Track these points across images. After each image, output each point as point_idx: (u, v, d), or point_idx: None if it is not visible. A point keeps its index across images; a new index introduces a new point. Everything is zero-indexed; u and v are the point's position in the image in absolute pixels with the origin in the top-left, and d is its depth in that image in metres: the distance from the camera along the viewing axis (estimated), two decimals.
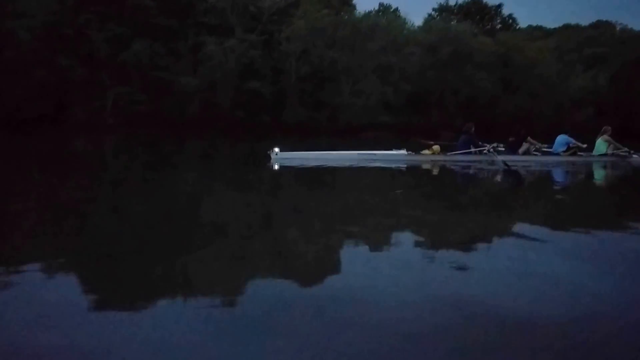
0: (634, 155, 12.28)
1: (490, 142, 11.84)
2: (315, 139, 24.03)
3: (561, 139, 12.55)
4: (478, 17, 44.19)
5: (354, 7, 41.35)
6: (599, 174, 10.89)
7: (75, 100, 33.35)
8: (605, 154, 12.36)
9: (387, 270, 3.02)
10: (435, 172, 10.68)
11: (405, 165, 11.11)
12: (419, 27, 42.75)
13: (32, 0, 33.42)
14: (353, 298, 2.51)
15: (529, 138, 12.36)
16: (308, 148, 12.57)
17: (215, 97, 34.82)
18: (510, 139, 12.43)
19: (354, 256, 3.42)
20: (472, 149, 11.73)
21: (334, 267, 3.18)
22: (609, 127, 12.66)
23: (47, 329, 2.10)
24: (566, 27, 49.63)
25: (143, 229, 4.11)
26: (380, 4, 45.75)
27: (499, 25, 46.46)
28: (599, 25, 49.56)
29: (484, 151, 11.62)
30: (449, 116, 37.04)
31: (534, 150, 12.38)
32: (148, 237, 3.78)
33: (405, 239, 4.08)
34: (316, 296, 2.58)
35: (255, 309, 2.33)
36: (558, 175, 10.35)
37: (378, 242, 3.84)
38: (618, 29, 49.53)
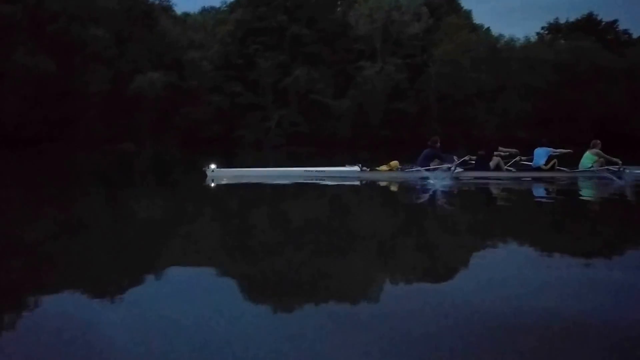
0: (626, 170, 10.79)
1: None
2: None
3: (540, 151, 11.21)
4: (594, 33, 44.26)
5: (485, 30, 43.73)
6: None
7: (243, 123, 37.60)
8: (589, 170, 10.91)
9: None
10: (394, 188, 10.03)
11: (359, 182, 10.31)
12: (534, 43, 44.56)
13: (208, 34, 38.04)
14: None
15: (499, 148, 11.13)
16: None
17: (364, 117, 38.15)
18: (480, 152, 11.12)
19: None
20: (432, 166, 10.65)
21: None
22: (599, 141, 11.14)
23: None
24: None
25: None
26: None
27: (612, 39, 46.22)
28: None
29: (444, 167, 10.60)
30: (580, 132, 38.49)
31: (509, 165, 11.22)
32: None
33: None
34: None
35: None
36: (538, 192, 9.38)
37: None
38: None
